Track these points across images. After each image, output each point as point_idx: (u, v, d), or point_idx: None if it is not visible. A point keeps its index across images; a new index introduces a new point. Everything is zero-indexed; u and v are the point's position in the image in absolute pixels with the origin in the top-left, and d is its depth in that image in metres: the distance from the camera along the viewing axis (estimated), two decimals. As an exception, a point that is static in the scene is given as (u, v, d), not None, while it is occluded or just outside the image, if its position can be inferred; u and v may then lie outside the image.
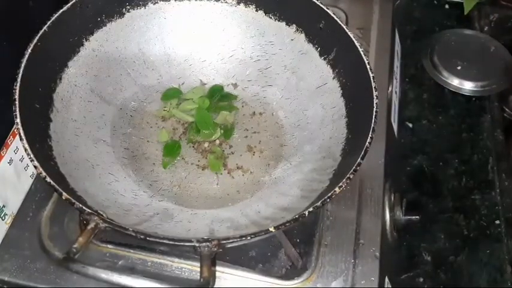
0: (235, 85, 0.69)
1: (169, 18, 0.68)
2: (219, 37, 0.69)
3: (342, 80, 0.62)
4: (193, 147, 0.65)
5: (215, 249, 0.46)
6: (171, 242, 0.46)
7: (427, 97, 0.89)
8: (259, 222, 0.55)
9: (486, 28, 0.98)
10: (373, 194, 0.65)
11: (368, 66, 0.57)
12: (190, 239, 0.46)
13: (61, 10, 0.58)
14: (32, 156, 0.48)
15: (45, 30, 0.56)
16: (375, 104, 0.54)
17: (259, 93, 0.69)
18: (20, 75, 0.53)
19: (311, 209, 0.48)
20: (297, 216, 0.48)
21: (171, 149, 0.64)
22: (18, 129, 0.50)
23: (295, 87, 0.67)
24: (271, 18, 0.67)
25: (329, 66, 0.63)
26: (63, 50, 0.60)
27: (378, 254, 0.60)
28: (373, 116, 0.54)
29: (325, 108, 0.63)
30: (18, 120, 0.50)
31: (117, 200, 0.57)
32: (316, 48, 0.65)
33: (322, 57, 0.64)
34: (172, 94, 0.68)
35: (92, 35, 0.63)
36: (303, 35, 0.65)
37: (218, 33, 0.68)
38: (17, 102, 0.51)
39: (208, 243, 0.46)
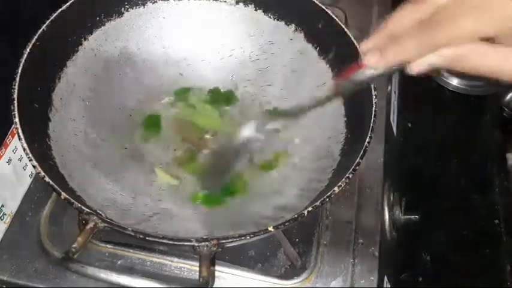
0: (234, 85, 0.69)
1: (168, 17, 0.67)
2: (218, 36, 0.69)
3: (341, 80, 0.62)
4: (192, 147, 0.65)
5: (214, 248, 0.46)
6: (170, 242, 0.46)
7: (427, 97, 0.89)
8: (259, 222, 0.55)
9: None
10: (373, 194, 0.65)
11: (367, 66, 0.57)
12: (189, 239, 0.46)
13: (60, 9, 0.58)
14: (30, 155, 0.48)
15: (43, 29, 0.56)
16: (374, 104, 0.54)
17: (259, 93, 0.69)
18: (18, 74, 0.52)
19: (310, 209, 0.48)
20: (296, 216, 0.48)
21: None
22: (16, 128, 0.49)
23: (294, 86, 0.67)
24: (270, 17, 0.66)
25: (328, 65, 0.63)
26: (62, 49, 0.60)
27: (377, 253, 0.60)
28: (373, 116, 0.54)
29: (324, 108, 0.63)
30: (17, 119, 0.50)
31: (116, 199, 0.57)
32: (316, 48, 0.65)
33: (322, 57, 0.64)
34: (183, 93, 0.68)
35: (91, 34, 0.63)
36: (302, 35, 0.65)
37: (217, 33, 0.68)
38: (15, 102, 0.51)
39: (207, 243, 0.46)
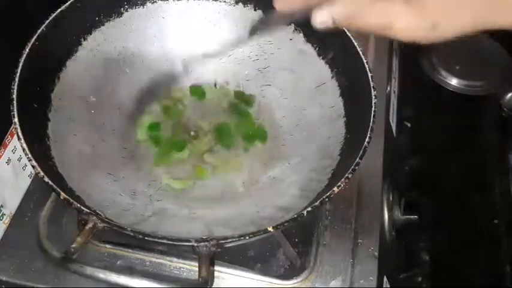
0: (232, 85, 0.69)
1: (168, 17, 0.67)
2: (217, 36, 0.69)
3: (340, 80, 0.62)
4: (192, 147, 0.65)
5: (214, 248, 0.46)
6: (169, 242, 0.46)
7: (426, 97, 0.89)
8: (258, 222, 0.55)
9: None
10: (372, 194, 0.65)
11: (366, 66, 0.57)
12: (188, 239, 0.46)
13: (59, 9, 0.58)
14: (30, 155, 0.48)
15: (43, 29, 0.56)
16: (373, 104, 0.54)
17: (258, 93, 0.69)
18: (18, 74, 0.52)
19: (310, 209, 0.48)
20: (295, 216, 0.48)
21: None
22: (16, 128, 0.49)
23: (294, 86, 0.67)
24: (269, 17, 0.66)
25: (328, 65, 0.63)
26: (61, 49, 0.60)
27: (376, 253, 0.60)
28: (372, 116, 0.54)
29: (323, 108, 0.63)
30: (16, 119, 0.50)
31: (116, 199, 0.57)
32: (315, 48, 0.65)
33: (321, 57, 0.64)
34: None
35: (90, 34, 0.63)
36: (301, 35, 0.65)
37: (216, 33, 0.68)
38: (15, 102, 0.51)
39: (206, 243, 0.46)
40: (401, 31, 0.40)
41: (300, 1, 0.43)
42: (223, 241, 0.46)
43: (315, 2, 0.42)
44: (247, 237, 0.46)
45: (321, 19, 0.42)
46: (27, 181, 0.66)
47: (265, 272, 0.59)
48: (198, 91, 0.69)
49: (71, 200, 0.47)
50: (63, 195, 0.47)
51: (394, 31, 0.40)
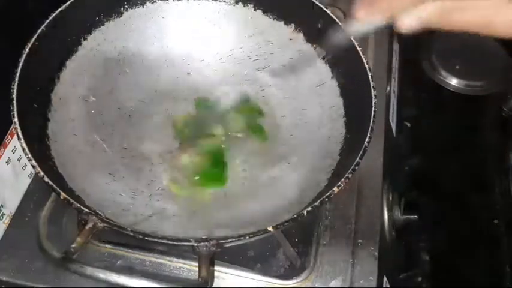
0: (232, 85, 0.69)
1: (168, 17, 0.67)
2: (217, 36, 0.69)
3: (340, 80, 0.62)
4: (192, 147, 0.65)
5: (214, 248, 0.46)
6: (169, 242, 0.46)
7: (426, 97, 0.89)
8: (258, 222, 0.55)
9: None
10: (372, 194, 0.65)
11: (366, 66, 0.57)
12: (188, 239, 0.46)
13: (59, 9, 0.58)
14: (30, 155, 0.48)
15: (43, 29, 0.56)
16: (373, 104, 0.54)
17: (258, 93, 0.69)
18: (17, 74, 0.52)
19: (309, 209, 0.48)
20: (295, 216, 0.48)
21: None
22: (16, 128, 0.49)
23: (294, 86, 0.67)
24: (269, 17, 0.66)
25: (327, 65, 0.63)
26: (61, 49, 0.60)
27: (376, 253, 0.60)
28: (372, 116, 0.54)
29: (323, 108, 0.63)
30: (16, 119, 0.50)
31: (116, 199, 0.57)
32: (315, 48, 0.65)
33: (321, 57, 0.64)
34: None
35: (90, 34, 0.63)
36: (301, 35, 0.65)
37: (216, 33, 0.68)
38: (14, 102, 0.51)
39: (206, 243, 0.46)
40: (502, 27, 0.37)
41: (387, 8, 0.39)
42: (223, 241, 0.46)
43: (403, 6, 0.38)
44: (247, 237, 0.47)
45: (410, 22, 0.38)
46: (27, 181, 0.66)
47: (265, 272, 0.59)
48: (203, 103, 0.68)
49: (71, 200, 0.47)
50: (63, 195, 0.47)
51: (494, 27, 0.37)
